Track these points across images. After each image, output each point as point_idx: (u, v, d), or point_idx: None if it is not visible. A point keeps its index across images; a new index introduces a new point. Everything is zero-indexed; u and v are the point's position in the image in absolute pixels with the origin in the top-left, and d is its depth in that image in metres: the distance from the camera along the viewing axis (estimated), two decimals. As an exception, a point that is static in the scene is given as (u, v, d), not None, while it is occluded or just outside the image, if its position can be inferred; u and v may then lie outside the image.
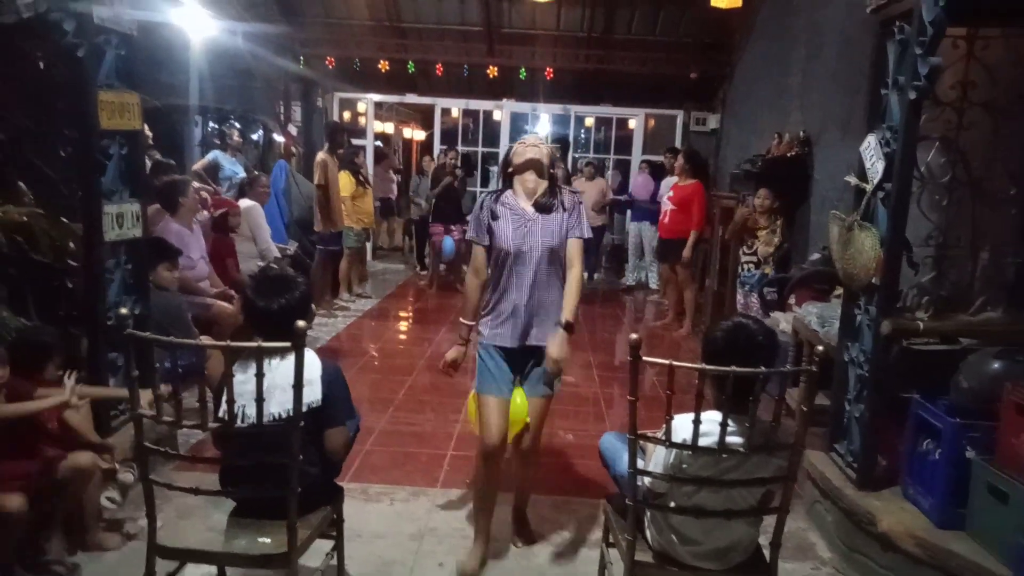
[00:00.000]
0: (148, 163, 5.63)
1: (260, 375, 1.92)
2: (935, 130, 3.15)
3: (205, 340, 3.99)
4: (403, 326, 7.30)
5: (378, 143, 9.36)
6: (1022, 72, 3.15)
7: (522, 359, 2.83)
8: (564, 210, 2.76)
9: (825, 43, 5.87)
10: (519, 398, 2.81)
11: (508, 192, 2.83)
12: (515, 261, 2.74)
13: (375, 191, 9.47)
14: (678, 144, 9.67)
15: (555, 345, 2.70)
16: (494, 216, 2.77)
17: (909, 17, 2.85)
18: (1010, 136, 3.13)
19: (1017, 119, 3.13)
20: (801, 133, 6.20)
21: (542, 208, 2.75)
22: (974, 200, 3.19)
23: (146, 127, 5.88)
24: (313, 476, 2.19)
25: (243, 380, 2.04)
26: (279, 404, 2.10)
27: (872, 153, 3.07)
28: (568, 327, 2.72)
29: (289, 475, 2.00)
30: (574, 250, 2.78)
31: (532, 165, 2.79)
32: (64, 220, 3.41)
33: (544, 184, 2.80)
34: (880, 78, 3.10)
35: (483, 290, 2.87)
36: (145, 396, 2.10)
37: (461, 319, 2.91)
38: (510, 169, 2.84)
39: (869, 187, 3.07)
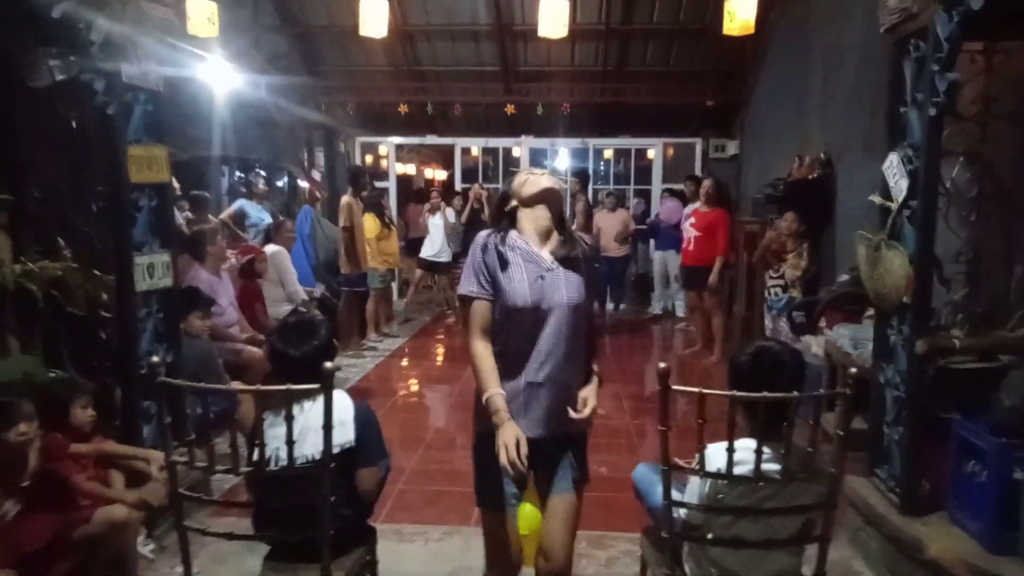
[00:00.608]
0: (178, 215, 5.79)
1: (290, 418, 1.93)
2: (958, 145, 3.12)
3: (236, 385, 4.04)
4: (431, 364, 7.30)
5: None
6: (1043, 83, 3.12)
7: (538, 453, 2.13)
8: (583, 260, 2.23)
9: (842, 63, 5.87)
10: (527, 506, 2.24)
11: (513, 233, 2.23)
12: (531, 323, 2.13)
13: (414, 231, 9.66)
14: (698, 171, 9.67)
15: (590, 390, 2.21)
16: (503, 263, 2.15)
17: (924, 34, 2.85)
18: (1036, 147, 3.09)
19: (1043, 130, 3.10)
20: (822, 154, 6.16)
21: (564, 259, 2.19)
22: (1005, 213, 3.14)
23: (174, 179, 6.06)
24: (345, 517, 2.18)
25: (275, 424, 2.06)
26: (312, 446, 2.10)
27: (895, 171, 3.04)
28: (600, 378, 2.30)
29: (321, 517, 1.99)
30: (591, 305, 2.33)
31: (548, 198, 2.23)
32: (97, 272, 3.48)
33: (555, 228, 2.26)
34: (898, 96, 3.08)
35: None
36: (156, 460, 2.11)
37: (489, 392, 2.10)
38: (514, 202, 2.27)
39: (894, 205, 3.04)
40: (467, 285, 2.18)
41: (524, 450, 1.95)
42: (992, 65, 3.06)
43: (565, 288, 2.15)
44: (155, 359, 2.07)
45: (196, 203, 6.50)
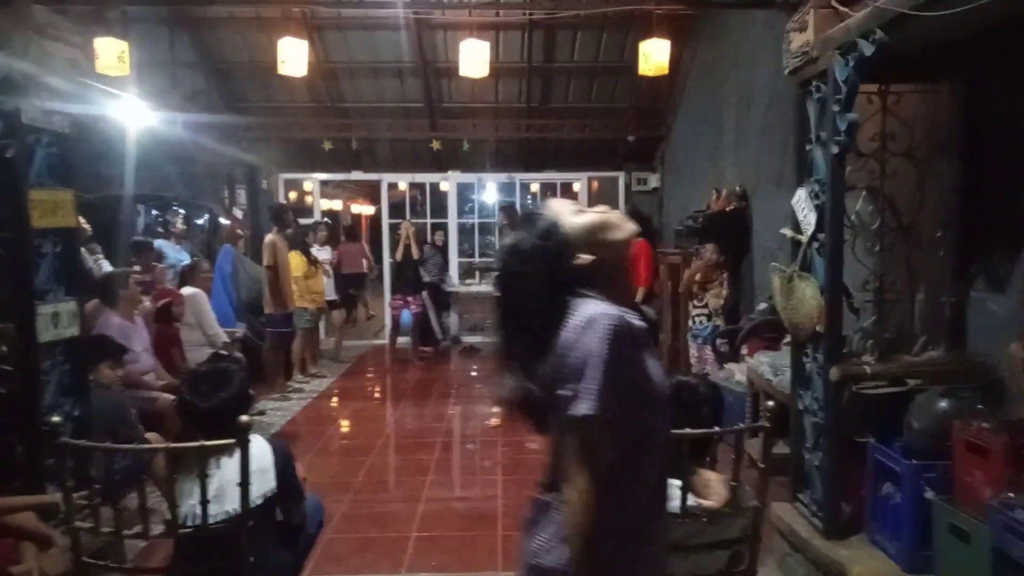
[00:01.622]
0: (89, 257, 5.53)
1: (203, 475, 1.84)
2: (861, 180, 3.29)
3: (151, 436, 3.84)
4: (360, 405, 7.14)
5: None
6: (936, 123, 3.33)
7: None
8: None
9: (752, 103, 6.14)
10: None
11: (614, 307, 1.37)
12: (664, 433, 1.53)
13: (346, 267, 9.49)
14: (621, 203, 9.89)
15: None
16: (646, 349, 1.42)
17: (824, 77, 3.01)
18: (933, 182, 3.28)
19: (938, 165, 3.29)
20: (737, 188, 6.40)
21: None
22: (906, 244, 3.31)
23: (83, 220, 5.80)
24: (267, 564, 2.08)
25: (190, 479, 1.96)
26: (233, 500, 2.02)
27: (804, 206, 3.17)
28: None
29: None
30: None
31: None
32: (-3, 323, 3.28)
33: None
34: (804, 134, 3.24)
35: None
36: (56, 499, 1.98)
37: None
38: (583, 256, 1.42)
39: (804, 238, 3.17)
40: (594, 401, 1.29)
41: None
42: (887, 105, 3.25)
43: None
44: (57, 418, 1.95)
45: (138, 250, 6.20)
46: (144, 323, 4.87)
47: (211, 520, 1.94)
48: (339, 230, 11.51)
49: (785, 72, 3.35)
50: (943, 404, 2.82)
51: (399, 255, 8.57)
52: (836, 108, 2.89)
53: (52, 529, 2.35)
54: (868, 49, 2.65)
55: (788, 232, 3.32)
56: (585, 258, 1.41)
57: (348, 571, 3.41)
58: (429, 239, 9.71)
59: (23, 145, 3.01)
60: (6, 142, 2.93)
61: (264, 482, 2.09)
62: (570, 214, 1.44)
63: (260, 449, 2.13)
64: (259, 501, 2.03)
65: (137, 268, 5.77)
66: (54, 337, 3.16)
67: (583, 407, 1.28)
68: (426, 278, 8.93)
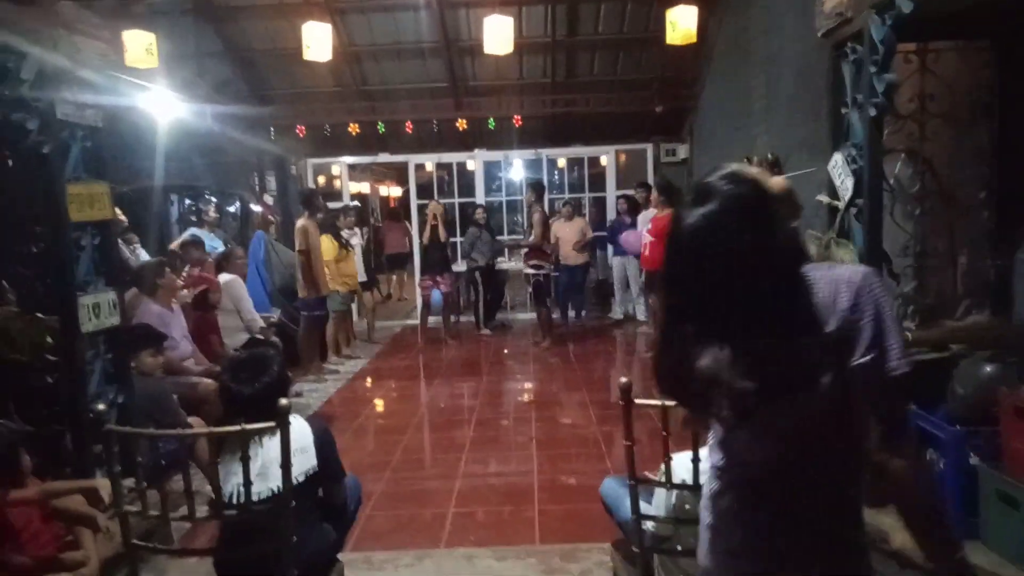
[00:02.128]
0: (126, 247, 5.64)
1: (246, 458, 1.88)
2: (899, 143, 3.21)
3: (193, 420, 3.93)
4: (394, 384, 7.22)
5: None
6: (976, 82, 3.22)
7: None
8: None
9: (782, 69, 6.00)
10: None
11: None
12: None
13: (389, 247, 9.55)
14: (650, 176, 9.78)
15: None
16: None
17: (860, 38, 2.92)
18: (973, 143, 3.18)
19: (978, 127, 3.19)
20: (769, 155, 6.27)
21: None
22: (946, 207, 3.23)
23: (119, 212, 5.89)
24: (310, 554, 2.12)
25: (234, 461, 2.00)
26: (276, 478, 2.06)
27: (840, 171, 3.10)
28: None
29: (284, 558, 1.93)
30: None
31: None
32: (40, 316, 3.37)
33: None
34: (839, 98, 3.15)
35: None
36: (104, 486, 2.03)
37: None
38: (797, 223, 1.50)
39: (841, 204, 3.10)
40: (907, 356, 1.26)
41: None
42: (926, 64, 3.15)
43: None
44: (101, 406, 1.99)
45: (188, 248, 6.25)
46: (183, 311, 4.96)
47: (255, 497, 1.99)
48: (368, 213, 11.58)
49: (818, 35, 3.26)
50: (988, 369, 2.76)
51: (427, 237, 8.58)
52: (873, 69, 2.81)
53: (99, 511, 2.42)
54: (907, 6, 2.56)
55: (825, 198, 3.26)
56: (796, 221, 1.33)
57: (388, 547, 3.46)
58: (458, 218, 9.69)
59: (58, 141, 3.06)
60: (42, 139, 2.99)
61: (305, 460, 2.14)
62: (766, 177, 1.34)
63: (300, 428, 2.18)
64: (301, 479, 2.07)
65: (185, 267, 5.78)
66: (96, 327, 3.23)
67: (903, 365, 1.22)
68: (480, 262, 8.68)
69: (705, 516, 1.43)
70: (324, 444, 2.24)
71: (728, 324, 1.26)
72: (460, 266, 9.93)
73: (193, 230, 7.06)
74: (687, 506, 1.99)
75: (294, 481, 1.99)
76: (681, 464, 1.92)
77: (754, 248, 1.25)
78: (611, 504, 2.45)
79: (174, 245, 6.72)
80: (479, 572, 3.18)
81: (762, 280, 1.25)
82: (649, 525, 2.03)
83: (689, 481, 1.89)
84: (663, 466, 1.96)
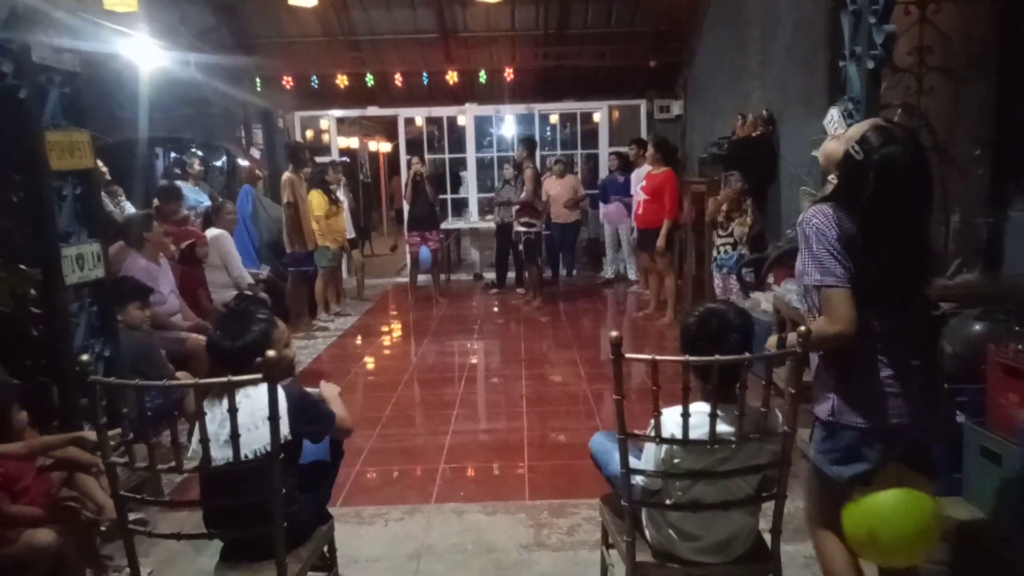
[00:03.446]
0: (109, 200, 5.53)
1: (233, 411, 1.85)
2: (896, 97, 3.16)
3: (182, 375, 3.90)
4: (385, 341, 7.22)
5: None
6: (974, 37, 3.16)
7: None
8: None
9: (779, 22, 5.89)
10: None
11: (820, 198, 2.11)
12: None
13: (396, 203, 9.28)
14: (644, 132, 9.67)
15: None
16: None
17: (860, -12, 2.85)
18: (970, 99, 3.14)
19: (975, 81, 3.14)
20: (764, 112, 6.21)
21: None
22: (941, 164, 3.19)
23: (100, 164, 5.77)
24: (293, 514, 2.11)
25: (218, 416, 1.98)
26: (254, 441, 2.02)
27: (836, 125, 3.05)
28: None
29: (272, 511, 1.93)
30: None
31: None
32: (23, 267, 3.30)
33: None
34: (836, 51, 3.09)
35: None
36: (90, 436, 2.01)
37: None
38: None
39: (836, 160, 3.06)
40: (826, 273, 1.88)
41: None
42: (926, 16, 3.08)
43: None
44: (85, 357, 1.95)
45: (166, 195, 6.15)
46: (170, 266, 4.89)
47: (227, 457, 1.95)
48: (357, 168, 11.42)
49: (817, -16, 3.18)
50: (977, 327, 2.77)
51: (408, 195, 8.39)
52: (872, 20, 2.74)
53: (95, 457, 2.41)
54: (908, -46, 2.49)
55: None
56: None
57: (378, 502, 3.48)
58: (448, 173, 9.49)
59: (35, 85, 2.96)
60: (18, 82, 2.88)
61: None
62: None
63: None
64: (269, 448, 2.00)
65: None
66: (80, 279, 3.17)
67: (812, 277, 1.95)
68: (519, 228, 8.03)
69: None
70: (300, 407, 2.16)
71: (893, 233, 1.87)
72: (450, 224, 9.86)
73: (177, 183, 6.93)
74: (676, 460, 1.99)
75: (262, 448, 1.95)
76: (670, 419, 1.92)
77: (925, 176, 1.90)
78: (600, 459, 2.46)
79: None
80: (468, 527, 3.21)
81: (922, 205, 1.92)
82: (638, 479, 2.03)
83: (678, 435, 1.89)
84: (652, 421, 1.96)
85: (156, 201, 5.87)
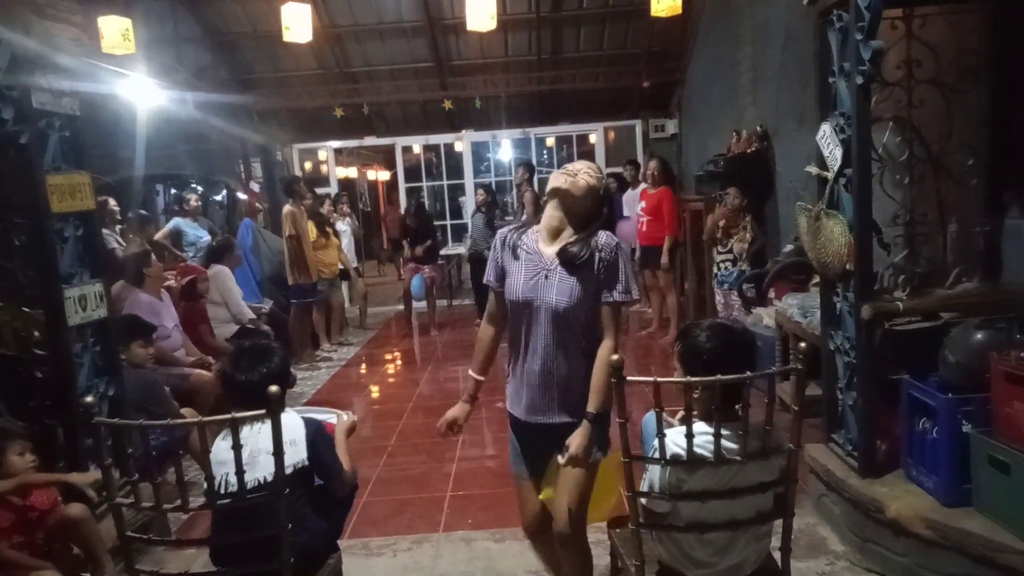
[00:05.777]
0: (111, 238, 5.57)
1: (237, 446, 1.86)
2: (887, 111, 3.18)
3: (186, 411, 3.90)
4: (388, 370, 7.21)
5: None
6: (963, 47, 3.19)
7: (536, 438, 2.34)
8: (597, 264, 2.19)
9: (770, 40, 5.95)
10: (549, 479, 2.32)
11: (534, 228, 2.34)
12: (526, 318, 2.26)
13: (391, 230, 9.35)
14: (639, 152, 9.73)
15: (573, 436, 2.20)
16: (514, 255, 2.29)
17: (846, 5, 2.88)
18: (962, 109, 3.16)
19: (965, 92, 3.17)
20: (758, 128, 6.25)
21: (566, 259, 2.20)
22: (935, 175, 3.21)
23: (112, 202, 5.84)
24: (305, 543, 2.11)
25: (226, 450, 1.99)
26: (264, 469, 2.04)
27: (829, 141, 3.08)
28: (592, 419, 2.20)
29: (280, 546, 1.92)
30: (606, 318, 2.22)
31: (558, 196, 2.25)
32: (26, 310, 3.32)
33: (570, 228, 2.24)
34: (826, 67, 3.12)
35: (498, 340, 2.45)
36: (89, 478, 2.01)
37: (469, 371, 2.49)
38: (544, 199, 2.34)
39: (830, 175, 3.08)
40: (487, 274, 2.36)
41: (456, 429, 2.46)
42: (912, 30, 3.11)
43: (556, 290, 2.20)
44: (89, 399, 1.96)
45: (138, 222, 6.23)
46: (171, 301, 4.91)
47: (256, 479, 1.98)
48: (356, 197, 11.48)
49: (804, 2, 3.22)
50: (980, 336, 2.76)
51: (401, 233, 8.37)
52: (859, 36, 2.78)
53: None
54: (891, -29, 2.52)
55: (813, 169, 3.24)
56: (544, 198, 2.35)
57: (385, 533, 3.47)
58: (447, 201, 9.50)
59: (36, 130, 3.00)
60: (19, 128, 2.92)
61: (294, 453, 2.12)
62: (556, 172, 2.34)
63: (291, 422, 2.16)
64: (289, 471, 2.04)
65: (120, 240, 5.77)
66: (83, 320, 3.18)
67: (485, 276, 2.40)
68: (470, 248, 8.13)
69: None
70: (317, 442, 2.22)
71: None
72: (450, 249, 9.87)
73: (177, 220, 6.98)
74: (681, 480, 1.98)
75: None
76: (674, 440, 1.92)
77: None
78: (607, 481, 2.44)
79: (159, 235, 6.66)
80: (477, 555, 3.19)
81: None
82: (644, 501, 2.02)
83: (683, 456, 1.89)
84: (656, 442, 1.95)
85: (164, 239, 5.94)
